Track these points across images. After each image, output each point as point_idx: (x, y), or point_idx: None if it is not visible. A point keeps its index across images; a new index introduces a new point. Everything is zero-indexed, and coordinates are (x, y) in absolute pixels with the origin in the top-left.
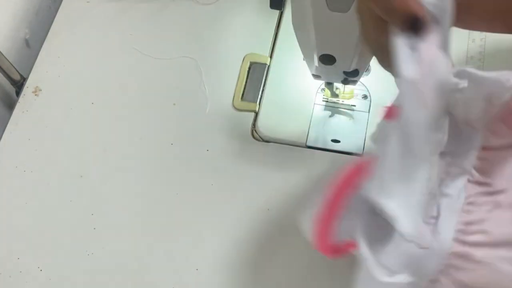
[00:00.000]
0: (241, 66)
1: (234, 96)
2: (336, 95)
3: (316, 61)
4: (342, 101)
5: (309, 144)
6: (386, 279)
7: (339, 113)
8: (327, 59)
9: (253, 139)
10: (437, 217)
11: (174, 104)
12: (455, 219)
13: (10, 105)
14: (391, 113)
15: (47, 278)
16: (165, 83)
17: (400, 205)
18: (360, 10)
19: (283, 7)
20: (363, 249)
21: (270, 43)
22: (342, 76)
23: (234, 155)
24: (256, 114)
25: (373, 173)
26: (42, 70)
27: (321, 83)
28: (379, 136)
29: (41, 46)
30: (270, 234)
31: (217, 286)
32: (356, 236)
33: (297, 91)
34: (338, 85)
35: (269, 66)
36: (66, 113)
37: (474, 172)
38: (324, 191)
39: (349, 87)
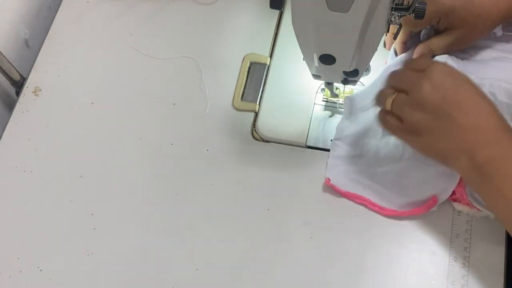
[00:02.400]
0: (241, 66)
1: (234, 96)
2: (336, 95)
3: (316, 61)
4: (342, 101)
5: (309, 144)
6: None
7: (339, 113)
8: (327, 59)
9: (253, 139)
10: None
11: (174, 104)
12: None
13: (10, 105)
14: None
15: (47, 278)
16: (165, 83)
17: None
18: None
19: (283, 7)
20: None
21: (270, 43)
22: (342, 76)
23: (234, 155)
24: (256, 114)
25: None
26: (42, 70)
27: (321, 83)
28: None
29: (41, 46)
30: (270, 234)
31: (217, 286)
32: None
33: (297, 91)
34: (338, 85)
35: (269, 66)
36: (66, 113)
37: None
38: None
39: (349, 87)
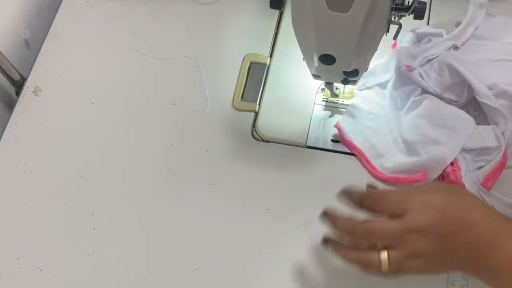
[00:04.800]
0: (241, 66)
1: (234, 96)
2: (336, 95)
3: (316, 61)
4: (342, 101)
5: (309, 144)
6: None
7: (339, 113)
8: (327, 59)
9: (253, 139)
10: None
11: (174, 104)
12: None
13: (10, 105)
14: None
15: (47, 278)
16: (165, 83)
17: None
18: None
19: (283, 7)
20: None
21: (270, 43)
22: (342, 76)
23: (234, 155)
24: (256, 114)
25: None
26: (42, 70)
27: (321, 83)
28: None
29: (41, 46)
30: (270, 234)
31: (217, 286)
32: None
33: (297, 91)
34: (338, 85)
35: (269, 66)
36: (66, 113)
37: None
38: None
39: (349, 87)
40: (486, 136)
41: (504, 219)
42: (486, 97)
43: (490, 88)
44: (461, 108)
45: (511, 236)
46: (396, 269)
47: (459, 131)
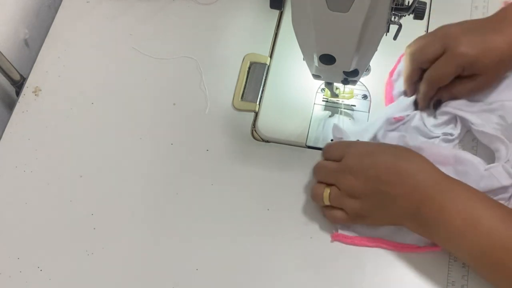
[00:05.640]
0: (241, 66)
1: (234, 96)
2: (336, 95)
3: (316, 61)
4: (342, 101)
5: (309, 144)
6: None
7: (339, 113)
8: (327, 59)
9: (253, 139)
10: None
11: (174, 104)
12: None
13: (10, 105)
14: None
15: (47, 278)
16: (165, 83)
17: None
18: None
19: (283, 7)
20: None
21: (270, 43)
22: (342, 76)
23: (234, 155)
24: (256, 114)
25: None
26: (42, 70)
27: (321, 83)
28: None
29: (41, 46)
30: (270, 234)
31: (217, 286)
32: None
33: (297, 91)
34: (338, 85)
35: (269, 66)
36: (66, 113)
37: None
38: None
39: (349, 87)
40: (499, 176)
41: (442, 175)
42: (481, 125)
43: (492, 110)
44: (459, 142)
45: (447, 189)
46: (337, 203)
47: (469, 176)
